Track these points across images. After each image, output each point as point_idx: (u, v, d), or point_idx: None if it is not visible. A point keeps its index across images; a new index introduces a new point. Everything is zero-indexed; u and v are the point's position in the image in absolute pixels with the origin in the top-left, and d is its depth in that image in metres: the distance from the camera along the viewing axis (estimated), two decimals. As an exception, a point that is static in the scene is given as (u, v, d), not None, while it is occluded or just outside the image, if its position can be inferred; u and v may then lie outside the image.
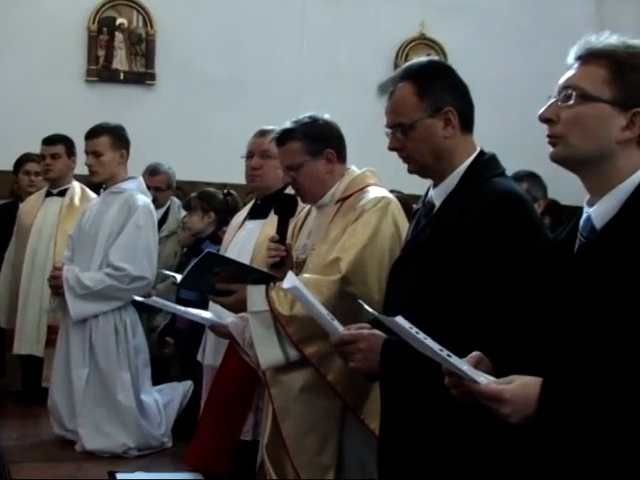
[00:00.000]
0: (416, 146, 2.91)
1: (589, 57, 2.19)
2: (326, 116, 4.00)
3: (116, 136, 5.82)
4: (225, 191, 6.45)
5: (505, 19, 9.57)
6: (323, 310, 2.93)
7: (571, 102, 2.18)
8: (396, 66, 8.75)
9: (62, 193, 6.94)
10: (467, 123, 2.96)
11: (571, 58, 2.24)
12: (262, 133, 4.86)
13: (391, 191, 3.98)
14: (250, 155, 4.88)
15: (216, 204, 6.31)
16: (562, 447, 2.09)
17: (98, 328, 5.65)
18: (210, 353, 5.07)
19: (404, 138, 2.92)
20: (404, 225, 3.71)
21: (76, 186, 6.96)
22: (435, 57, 3.37)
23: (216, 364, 4.93)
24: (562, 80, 2.24)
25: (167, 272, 4.79)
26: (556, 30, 8.62)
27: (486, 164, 2.92)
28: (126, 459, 5.60)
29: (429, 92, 2.90)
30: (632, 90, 2.14)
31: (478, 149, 2.97)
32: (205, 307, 4.67)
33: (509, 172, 3.00)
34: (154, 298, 4.41)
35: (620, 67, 2.15)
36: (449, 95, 2.91)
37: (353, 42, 9.25)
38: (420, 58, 3.14)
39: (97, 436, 5.62)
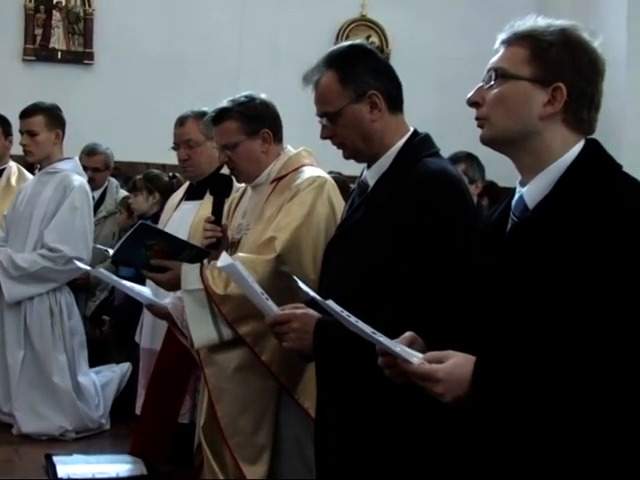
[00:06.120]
0: (346, 132, 2.93)
1: (512, 40, 2.21)
2: (263, 96, 3.97)
3: (51, 115, 5.77)
4: (171, 174, 6.52)
5: (445, 0, 9.55)
6: (258, 289, 2.91)
7: (492, 83, 2.20)
8: (336, 47, 8.70)
9: (-1, 173, 6.82)
10: (395, 103, 2.96)
11: (497, 43, 2.25)
12: (181, 122, 4.85)
13: (330, 172, 3.97)
14: (177, 147, 4.86)
15: (161, 185, 6.36)
16: (494, 427, 2.10)
17: (33, 310, 5.62)
18: (147, 335, 5.04)
19: (333, 126, 2.94)
20: (339, 205, 3.71)
21: (13, 166, 6.84)
22: (358, 41, 3.33)
23: (153, 347, 4.90)
24: (488, 64, 2.26)
25: (100, 246, 4.77)
26: (496, 12, 8.56)
27: (419, 144, 2.93)
28: (63, 441, 5.59)
29: (351, 78, 2.91)
30: (551, 66, 2.15)
31: (411, 129, 2.98)
32: (142, 285, 4.61)
33: (450, 153, 3.01)
34: (100, 269, 4.38)
35: (538, 44, 2.16)
36: (372, 78, 2.91)
37: (294, 22, 9.18)
38: (343, 43, 3.15)
39: (33, 419, 5.60)
